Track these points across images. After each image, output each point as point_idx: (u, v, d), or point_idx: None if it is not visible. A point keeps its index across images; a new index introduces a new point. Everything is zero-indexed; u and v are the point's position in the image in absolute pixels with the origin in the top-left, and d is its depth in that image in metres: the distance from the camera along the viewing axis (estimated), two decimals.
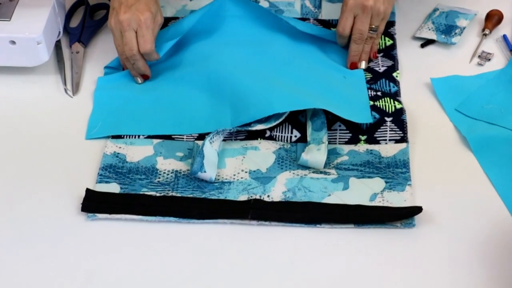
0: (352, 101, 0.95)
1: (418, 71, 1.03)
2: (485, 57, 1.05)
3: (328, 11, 1.13)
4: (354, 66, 1.02)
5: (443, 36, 1.08)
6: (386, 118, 0.93)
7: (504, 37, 1.08)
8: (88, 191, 0.84)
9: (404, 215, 0.81)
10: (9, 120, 0.98)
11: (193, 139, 0.92)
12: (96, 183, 0.87)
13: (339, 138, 0.91)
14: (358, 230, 0.81)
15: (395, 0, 0.97)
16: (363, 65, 1.02)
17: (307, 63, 1.01)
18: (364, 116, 0.92)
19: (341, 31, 1.01)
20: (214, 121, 0.93)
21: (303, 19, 1.11)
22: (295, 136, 0.92)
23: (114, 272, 0.78)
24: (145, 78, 1.00)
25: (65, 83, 1.02)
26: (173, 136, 0.92)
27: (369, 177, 0.86)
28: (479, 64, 1.04)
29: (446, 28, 1.09)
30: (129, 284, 0.77)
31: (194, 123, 0.94)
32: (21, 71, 1.04)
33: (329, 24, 1.10)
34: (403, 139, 0.90)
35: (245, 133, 0.92)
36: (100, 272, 0.78)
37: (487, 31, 1.09)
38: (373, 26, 0.99)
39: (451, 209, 0.84)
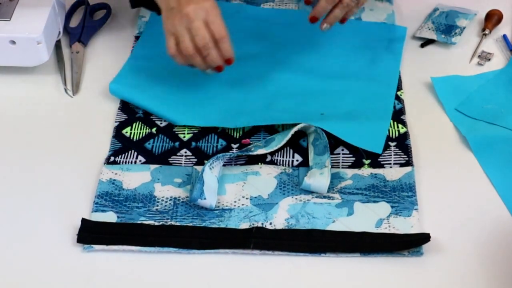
0: (371, 126, 0.93)
1: (418, 71, 1.03)
2: (485, 57, 1.05)
3: None
4: (313, 20, 0.95)
5: (443, 36, 1.08)
6: (390, 143, 0.91)
7: (504, 37, 1.08)
8: (84, 221, 0.82)
9: (412, 244, 0.79)
10: (9, 120, 0.97)
11: (192, 165, 0.90)
12: (92, 212, 0.84)
13: (342, 162, 0.89)
14: (364, 258, 0.79)
15: None
16: (324, 27, 0.96)
17: (336, 69, 1.03)
18: (375, 146, 0.90)
19: None
20: (231, 116, 0.95)
21: None
22: (297, 160, 0.90)
23: None
24: (219, 70, 0.93)
25: (65, 83, 1.02)
26: (170, 162, 0.90)
27: (374, 201, 0.84)
28: (479, 64, 1.04)
29: (446, 28, 1.09)
30: None
31: (216, 116, 0.95)
32: (21, 71, 1.04)
33: None
34: (408, 163, 0.88)
35: (245, 158, 0.90)
36: None
37: (487, 31, 1.09)
38: None
39: (450, 209, 0.84)
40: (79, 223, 0.81)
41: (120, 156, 0.91)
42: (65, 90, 1.01)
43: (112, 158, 0.91)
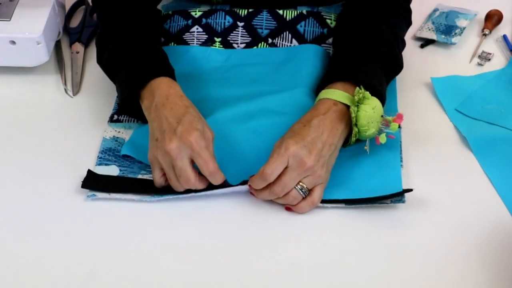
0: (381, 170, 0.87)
1: (418, 71, 1.03)
2: (485, 57, 1.05)
3: None
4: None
5: (443, 36, 1.08)
6: None
7: (504, 37, 1.09)
8: (89, 172, 0.87)
9: (395, 195, 0.82)
10: (9, 120, 0.97)
11: None
12: (96, 165, 0.89)
13: None
14: (348, 209, 0.82)
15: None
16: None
17: None
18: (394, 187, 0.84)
19: (268, 174, 0.79)
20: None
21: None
22: None
23: (115, 254, 0.79)
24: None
25: (65, 83, 1.02)
26: None
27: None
28: (479, 64, 1.04)
29: (446, 28, 1.09)
30: (129, 265, 0.78)
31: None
32: (21, 71, 1.04)
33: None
34: None
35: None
36: (102, 257, 0.79)
37: (487, 31, 1.09)
38: (304, 186, 0.80)
39: (451, 209, 0.84)
40: (82, 178, 0.86)
41: (122, 115, 0.95)
42: (65, 90, 1.02)
43: (115, 117, 0.95)
